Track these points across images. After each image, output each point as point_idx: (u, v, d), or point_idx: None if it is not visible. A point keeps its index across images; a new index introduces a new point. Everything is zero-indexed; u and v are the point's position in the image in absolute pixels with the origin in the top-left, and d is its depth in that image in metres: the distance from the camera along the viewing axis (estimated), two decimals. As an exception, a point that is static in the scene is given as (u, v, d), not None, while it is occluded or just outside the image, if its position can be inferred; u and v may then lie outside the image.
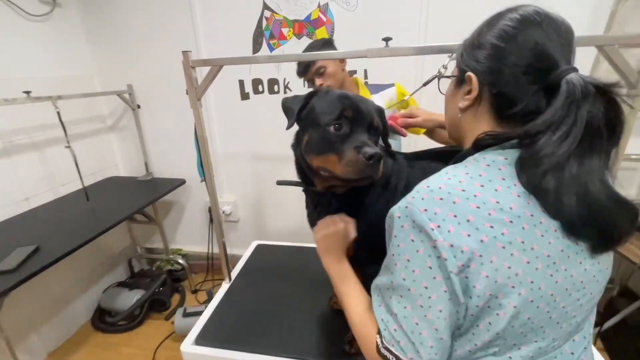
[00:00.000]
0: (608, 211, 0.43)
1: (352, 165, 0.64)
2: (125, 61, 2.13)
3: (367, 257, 0.90)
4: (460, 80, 0.55)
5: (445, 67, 0.95)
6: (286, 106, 0.78)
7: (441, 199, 0.44)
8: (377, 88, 1.37)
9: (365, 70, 1.86)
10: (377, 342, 0.50)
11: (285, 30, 1.87)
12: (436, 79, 0.89)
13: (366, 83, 1.42)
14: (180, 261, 2.39)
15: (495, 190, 0.45)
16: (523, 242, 0.43)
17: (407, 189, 0.79)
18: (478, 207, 0.43)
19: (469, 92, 0.53)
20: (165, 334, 1.96)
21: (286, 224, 2.36)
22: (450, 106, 0.60)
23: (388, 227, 0.51)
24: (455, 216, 0.43)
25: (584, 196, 0.42)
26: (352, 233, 0.76)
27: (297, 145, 0.81)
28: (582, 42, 0.70)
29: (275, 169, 2.21)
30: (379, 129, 0.74)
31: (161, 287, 2.16)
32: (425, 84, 0.98)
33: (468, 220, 0.43)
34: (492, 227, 0.43)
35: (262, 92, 2.03)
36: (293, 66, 1.96)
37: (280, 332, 1.06)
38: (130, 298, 2.02)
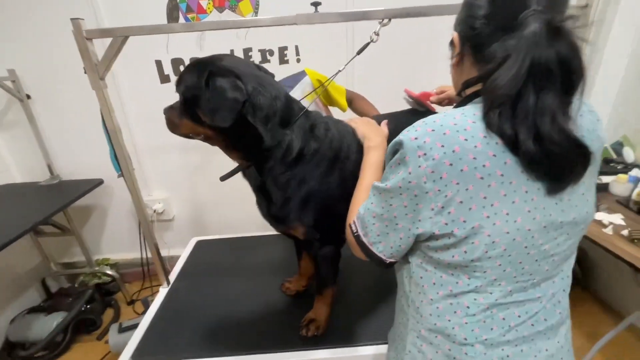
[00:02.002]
0: (559, 149, 0.44)
1: None
2: (1, 40, 1.73)
3: (320, 237, 0.87)
4: (451, 46, 0.59)
5: (377, 34, 0.93)
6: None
7: (433, 130, 0.48)
8: (292, 80, 1.21)
9: (297, 47, 1.77)
10: (353, 220, 0.60)
11: (204, 3, 1.68)
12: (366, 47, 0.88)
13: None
14: (109, 272, 2.11)
15: (485, 126, 0.47)
16: (502, 175, 0.46)
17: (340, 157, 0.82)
18: (466, 139, 0.46)
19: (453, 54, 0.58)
20: (99, 356, 1.73)
21: (226, 216, 2.22)
22: (451, 74, 0.63)
23: (386, 156, 0.57)
24: (442, 146, 0.46)
25: (536, 133, 0.43)
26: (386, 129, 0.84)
27: None
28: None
29: (208, 159, 2.03)
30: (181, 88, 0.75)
31: (88, 304, 1.89)
32: (359, 53, 0.94)
33: (453, 151, 0.46)
34: (475, 158, 0.45)
35: (185, 73, 1.82)
36: (218, 43, 1.81)
37: (233, 331, 0.99)
38: (48, 324, 1.72)
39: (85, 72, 0.90)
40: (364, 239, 0.57)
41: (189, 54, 1.79)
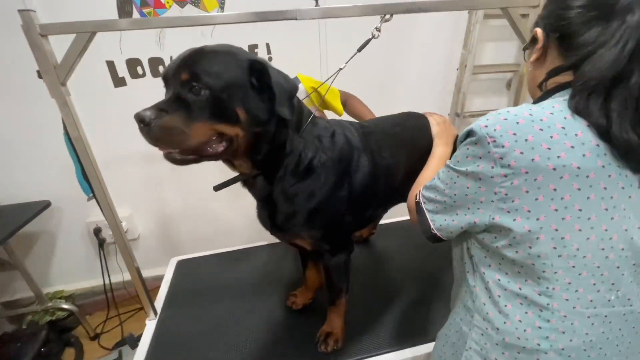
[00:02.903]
0: None
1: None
2: None
3: (329, 247, 0.82)
4: (531, 44, 0.59)
5: (378, 30, 0.89)
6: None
7: (505, 119, 0.48)
8: None
9: (268, 45, 1.68)
10: (420, 189, 0.63)
11: (161, -4, 1.52)
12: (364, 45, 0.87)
13: None
14: (65, 306, 1.83)
15: (565, 117, 0.46)
16: (579, 168, 0.44)
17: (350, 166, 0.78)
18: (541, 129, 0.45)
19: (533, 50, 0.58)
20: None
21: (199, 231, 2.05)
22: (529, 72, 0.63)
23: (458, 142, 0.56)
24: (514, 134, 0.46)
25: (633, 123, 0.43)
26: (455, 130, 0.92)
27: None
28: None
29: (174, 170, 1.83)
30: (190, 84, 0.61)
31: (42, 347, 1.62)
32: (360, 50, 0.90)
33: (526, 140, 0.45)
34: (549, 148, 0.44)
35: (143, 75, 1.63)
36: (180, 41, 1.64)
37: (243, 356, 0.89)
38: (-6, 378, 1.45)
39: (39, 77, 0.74)
40: (423, 206, 0.60)
41: (146, 54, 1.60)
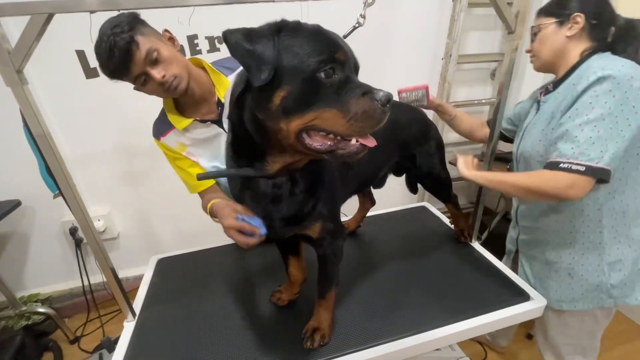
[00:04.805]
0: None
1: (367, 117, 0.51)
2: None
3: (330, 234, 0.81)
4: (560, 23, 0.93)
5: (363, 17, 0.85)
6: (244, 48, 0.52)
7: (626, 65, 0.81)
8: (230, 64, 1.02)
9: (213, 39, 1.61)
10: (561, 163, 0.81)
11: (133, -19, 1.43)
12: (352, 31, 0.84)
13: (214, 63, 1.02)
14: (41, 309, 1.76)
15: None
16: None
17: None
18: None
19: (570, 28, 0.92)
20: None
21: (181, 228, 1.99)
22: (552, 40, 0.95)
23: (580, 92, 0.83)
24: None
25: None
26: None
27: (241, 112, 0.61)
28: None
29: (153, 165, 1.78)
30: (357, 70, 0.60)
31: (18, 353, 1.55)
32: (344, 37, 0.86)
33: None
34: None
35: (117, 65, 1.55)
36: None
37: (227, 356, 0.86)
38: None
39: (-8, 64, 0.67)
40: (591, 164, 0.78)
41: (119, 42, 1.52)
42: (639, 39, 0.88)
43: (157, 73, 0.85)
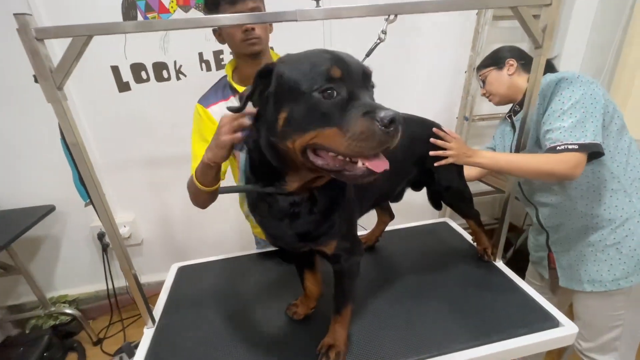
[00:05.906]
0: None
1: (366, 138, 0.49)
2: None
3: (349, 246, 0.80)
4: (499, 68, 1.19)
5: (384, 32, 0.86)
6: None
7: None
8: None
9: (272, 49, 1.66)
10: (557, 147, 0.95)
11: (166, 2, 1.52)
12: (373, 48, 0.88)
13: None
14: (68, 310, 1.84)
15: None
16: None
17: None
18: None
19: (509, 69, 1.17)
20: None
21: (204, 236, 2.04)
22: (499, 80, 1.20)
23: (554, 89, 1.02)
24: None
25: None
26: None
27: (259, 134, 0.64)
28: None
29: (178, 174, 1.84)
30: (369, 84, 0.60)
31: (45, 352, 1.62)
32: (368, 55, 0.87)
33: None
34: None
35: (147, 79, 1.64)
36: (185, 46, 1.64)
37: (241, 371, 0.86)
38: (-4, 384, 1.45)
39: (36, 81, 0.73)
40: (586, 141, 0.92)
41: (150, 59, 1.61)
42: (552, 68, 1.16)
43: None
